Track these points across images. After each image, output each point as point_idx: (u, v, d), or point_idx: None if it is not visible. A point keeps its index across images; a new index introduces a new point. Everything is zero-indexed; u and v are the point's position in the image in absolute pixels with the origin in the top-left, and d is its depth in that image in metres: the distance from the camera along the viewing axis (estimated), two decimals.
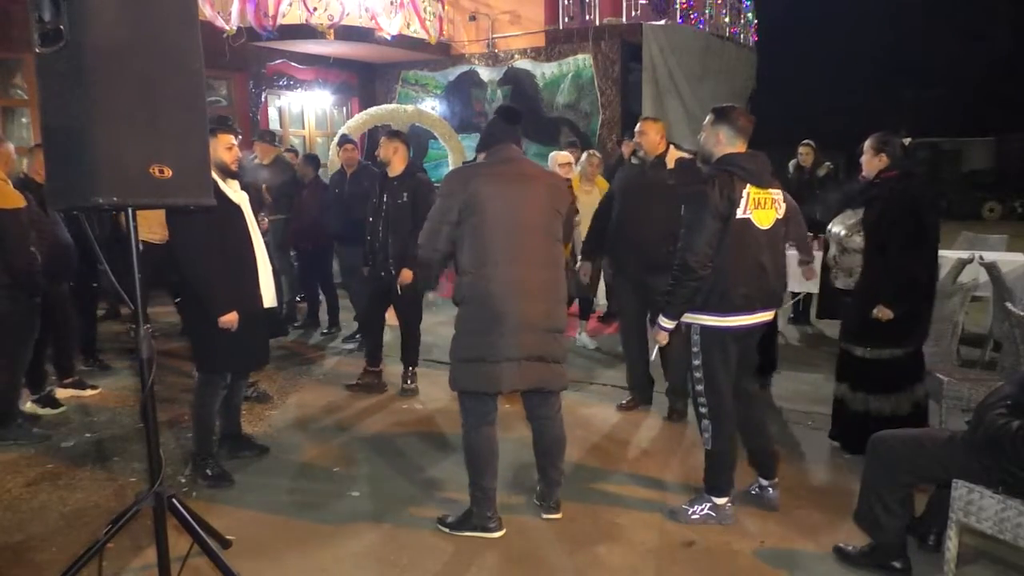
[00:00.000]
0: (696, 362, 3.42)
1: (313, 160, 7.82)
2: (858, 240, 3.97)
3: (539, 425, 3.50)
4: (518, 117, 3.53)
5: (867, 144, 3.95)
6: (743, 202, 3.26)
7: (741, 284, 3.29)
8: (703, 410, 3.45)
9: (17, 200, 4.36)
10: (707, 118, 3.45)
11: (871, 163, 3.93)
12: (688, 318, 3.39)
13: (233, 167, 3.94)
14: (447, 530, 3.42)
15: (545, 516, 3.56)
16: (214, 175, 3.62)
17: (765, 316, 3.45)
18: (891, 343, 3.90)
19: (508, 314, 3.16)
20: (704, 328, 3.38)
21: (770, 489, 3.66)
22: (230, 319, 3.76)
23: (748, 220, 3.28)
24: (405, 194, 5.16)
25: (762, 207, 3.32)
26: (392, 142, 5.28)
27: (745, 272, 3.30)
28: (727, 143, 3.36)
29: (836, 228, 4.18)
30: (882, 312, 3.79)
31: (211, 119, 2.98)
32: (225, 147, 3.87)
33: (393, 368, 5.77)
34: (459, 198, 3.22)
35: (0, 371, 4.52)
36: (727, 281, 3.27)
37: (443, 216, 3.25)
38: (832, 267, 4.18)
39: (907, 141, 4.13)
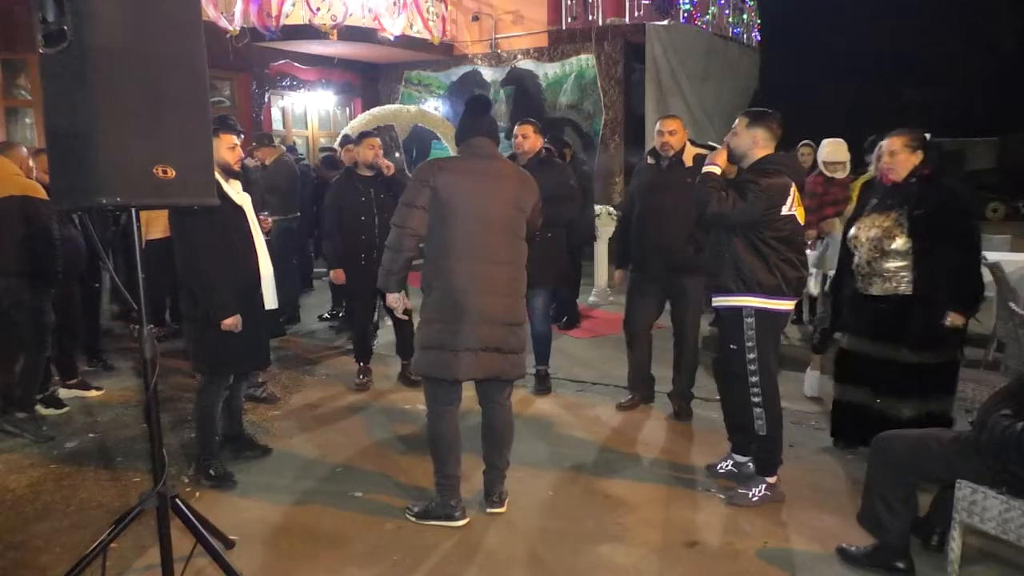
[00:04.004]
0: (750, 344, 3.58)
1: (331, 161, 7.84)
2: (901, 242, 3.72)
3: (489, 409, 3.56)
4: (484, 108, 3.55)
5: (897, 145, 3.75)
6: (789, 200, 3.50)
7: (799, 269, 3.60)
8: (756, 399, 3.61)
9: (42, 192, 4.57)
10: (741, 120, 3.61)
11: (906, 163, 3.74)
12: (745, 301, 3.55)
13: (236, 167, 3.95)
14: (414, 519, 3.49)
15: (489, 511, 3.58)
16: (216, 175, 3.65)
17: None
18: (939, 346, 3.76)
19: (470, 307, 3.28)
20: (766, 312, 3.55)
21: (750, 465, 3.84)
22: (232, 323, 3.76)
23: (794, 216, 3.54)
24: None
25: (798, 204, 3.57)
26: (376, 139, 5.44)
27: (800, 261, 3.61)
28: (764, 145, 3.56)
29: (869, 232, 3.84)
30: (954, 319, 3.65)
31: (213, 119, 2.99)
32: (228, 147, 3.88)
33: (394, 367, 5.80)
34: (429, 184, 3.30)
35: (23, 358, 4.68)
36: (795, 265, 3.58)
37: (414, 199, 3.32)
38: (863, 274, 3.88)
39: (927, 136, 3.85)
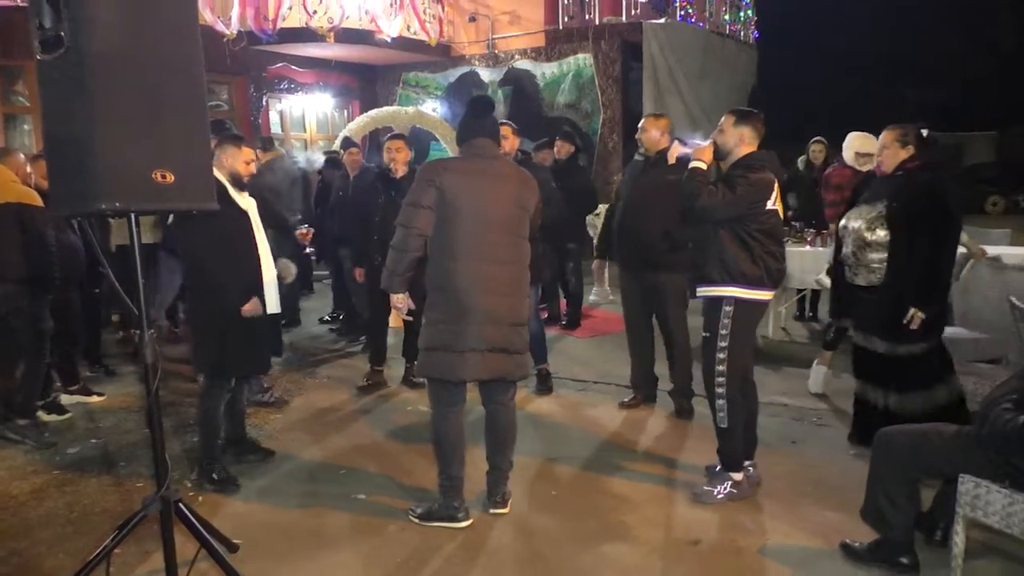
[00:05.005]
0: (724, 332, 3.57)
1: (334, 163, 7.83)
2: (881, 234, 3.84)
3: (492, 410, 3.56)
4: (487, 109, 3.57)
5: (888, 139, 3.86)
6: (773, 195, 3.59)
7: (780, 261, 3.64)
8: (720, 388, 3.60)
9: (37, 199, 4.58)
10: (727, 118, 3.69)
11: (895, 156, 3.85)
12: (728, 291, 3.55)
13: (246, 180, 4.01)
14: (417, 521, 3.49)
15: (492, 511, 3.58)
16: (225, 182, 3.72)
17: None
18: (918, 338, 3.80)
19: (473, 307, 3.27)
20: (745, 302, 3.55)
21: (751, 468, 3.81)
22: (252, 307, 3.80)
23: (776, 211, 3.63)
24: None
25: (779, 199, 3.65)
26: (396, 143, 5.45)
27: (780, 253, 3.66)
28: (749, 142, 3.64)
29: (854, 223, 4.01)
30: (915, 314, 3.70)
31: (214, 124, 3.01)
32: (244, 160, 3.97)
33: (397, 370, 5.79)
34: (435, 184, 3.29)
35: (23, 364, 4.70)
36: (777, 258, 3.63)
37: (419, 199, 3.31)
38: (850, 264, 4.04)
39: (925, 132, 3.97)
